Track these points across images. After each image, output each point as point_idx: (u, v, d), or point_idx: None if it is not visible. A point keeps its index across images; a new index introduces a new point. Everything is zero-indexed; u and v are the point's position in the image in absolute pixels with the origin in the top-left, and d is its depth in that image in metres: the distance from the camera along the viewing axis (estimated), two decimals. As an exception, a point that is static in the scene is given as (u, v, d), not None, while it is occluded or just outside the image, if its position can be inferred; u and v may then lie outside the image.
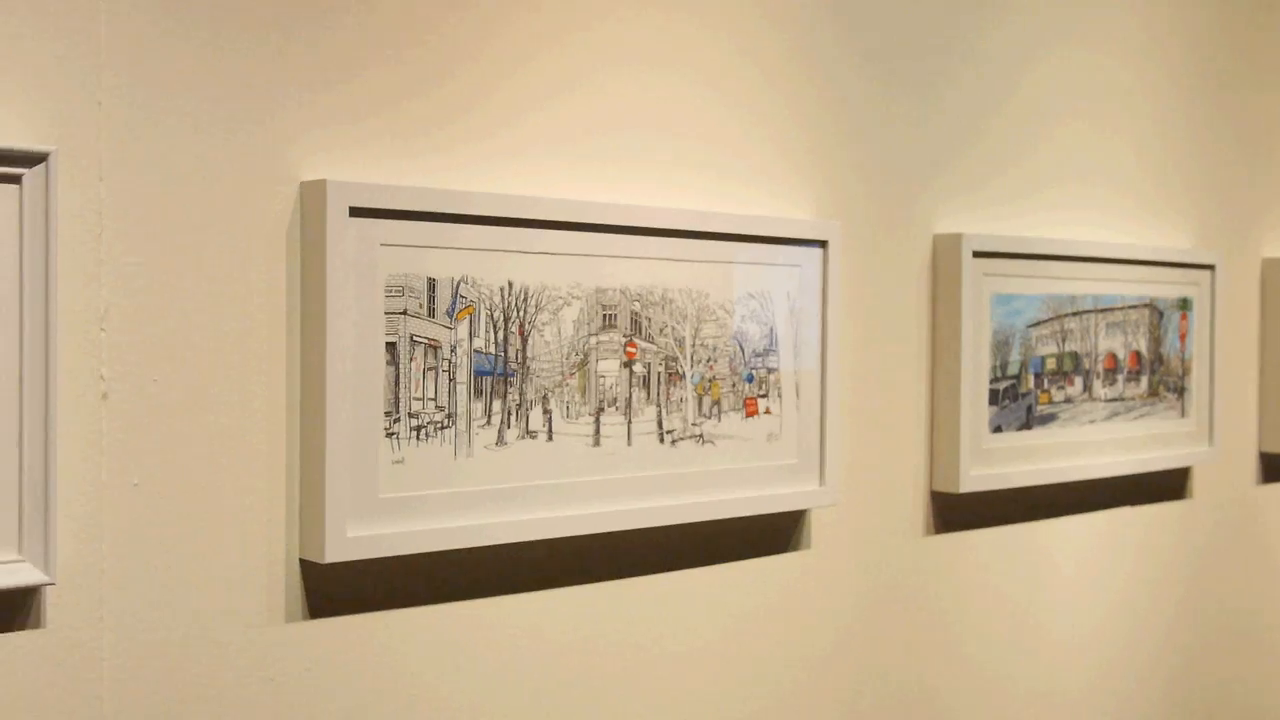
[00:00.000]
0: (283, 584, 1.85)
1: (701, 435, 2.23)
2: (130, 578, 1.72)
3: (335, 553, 1.82)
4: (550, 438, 2.04)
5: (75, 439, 1.67)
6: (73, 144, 1.65)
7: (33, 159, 1.59)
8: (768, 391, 2.32)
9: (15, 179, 1.59)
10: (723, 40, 2.31)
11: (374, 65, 1.90)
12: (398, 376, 1.89)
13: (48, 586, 1.65)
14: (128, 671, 1.73)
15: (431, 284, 1.91)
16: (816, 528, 2.48)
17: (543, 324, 2.03)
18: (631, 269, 2.12)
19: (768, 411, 2.32)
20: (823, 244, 2.38)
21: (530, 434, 2.02)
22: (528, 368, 2.02)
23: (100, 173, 1.68)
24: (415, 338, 1.90)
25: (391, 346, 1.88)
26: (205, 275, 1.76)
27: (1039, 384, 2.79)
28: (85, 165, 1.66)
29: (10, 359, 1.60)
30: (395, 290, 1.88)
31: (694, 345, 2.22)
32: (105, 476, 1.70)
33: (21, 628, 1.65)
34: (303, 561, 1.86)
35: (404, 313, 1.89)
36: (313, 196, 1.82)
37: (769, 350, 2.32)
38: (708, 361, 2.24)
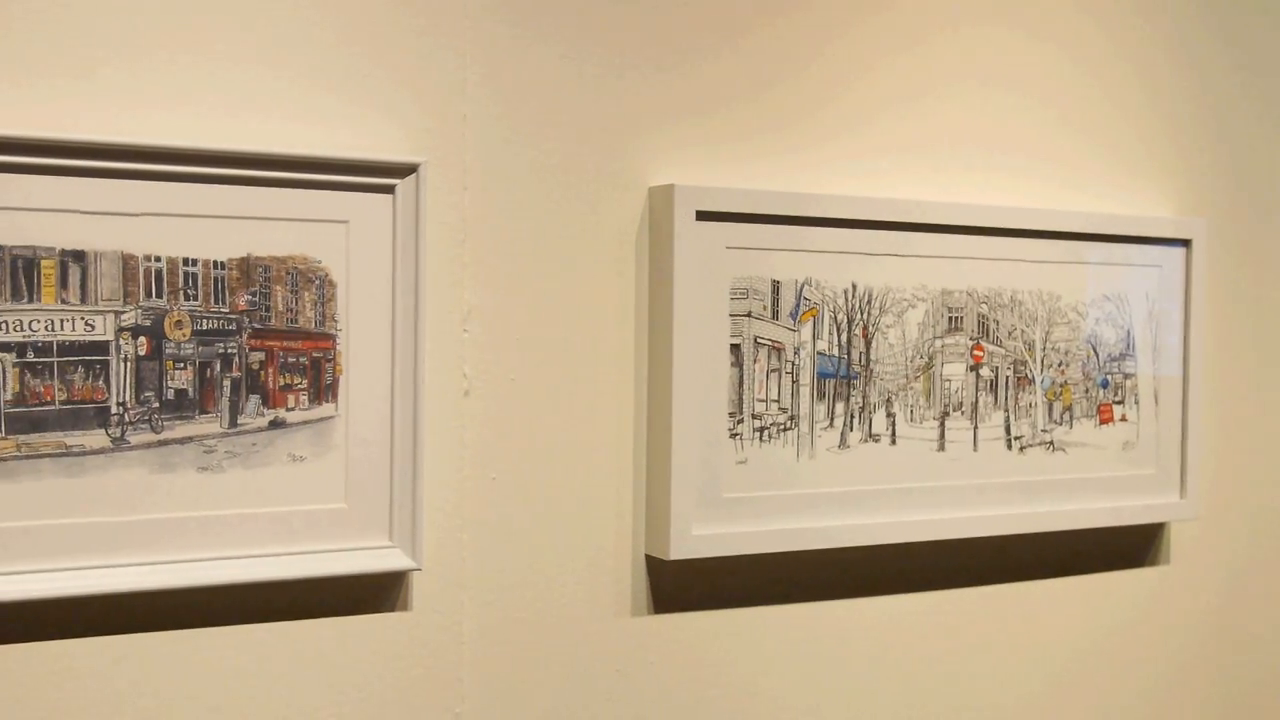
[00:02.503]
0: (629, 579, 1.89)
1: (1052, 442, 2.15)
2: (488, 567, 1.81)
3: (680, 550, 1.86)
4: (894, 441, 2.02)
5: (440, 434, 1.76)
6: (440, 155, 1.75)
7: (404, 170, 1.70)
8: (1124, 398, 2.22)
9: (389, 189, 1.69)
10: (1074, 35, 2.22)
11: (721, 71, 1.92)
12: (741, 378, 1.91)
13: (414, 572, 1.75)
14: (485, 655, 1.82)
15: (776, 286, 1.92)
16: (1176, 543, 2.35)
17: (887, 326, 2.00)
18: (979, 270, 2.07)
19: (1124, 419, 2.22)
20: (1185, 243, 2.25)
21: (873, 437, 2.00)
22: (871, 370, 2.00)
23: (465, 182, 1.77)
24: (759, 340, 1.92)
25: (736, 348, 1.90)
26: (559, 278, 1.83)
27: None
28: (451, 175, 1.76)
29: (382, 358, 1.70)
30: (740, 292, 1.90)
31: (1044, 349, 2.14)
32: (467, 470, 1.79)
33: (391, 609, 1.76)
34: (648, 557, 1.90)
35: (748, 315, 1.91)
36: (661, 201, 1.86)
37: (1125, 354, 2.22)
38: (1059, 366, 2.16)
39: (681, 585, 1.93)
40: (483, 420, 1.80)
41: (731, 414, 1.90)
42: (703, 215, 1.85)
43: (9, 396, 1.53)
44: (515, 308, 1.81)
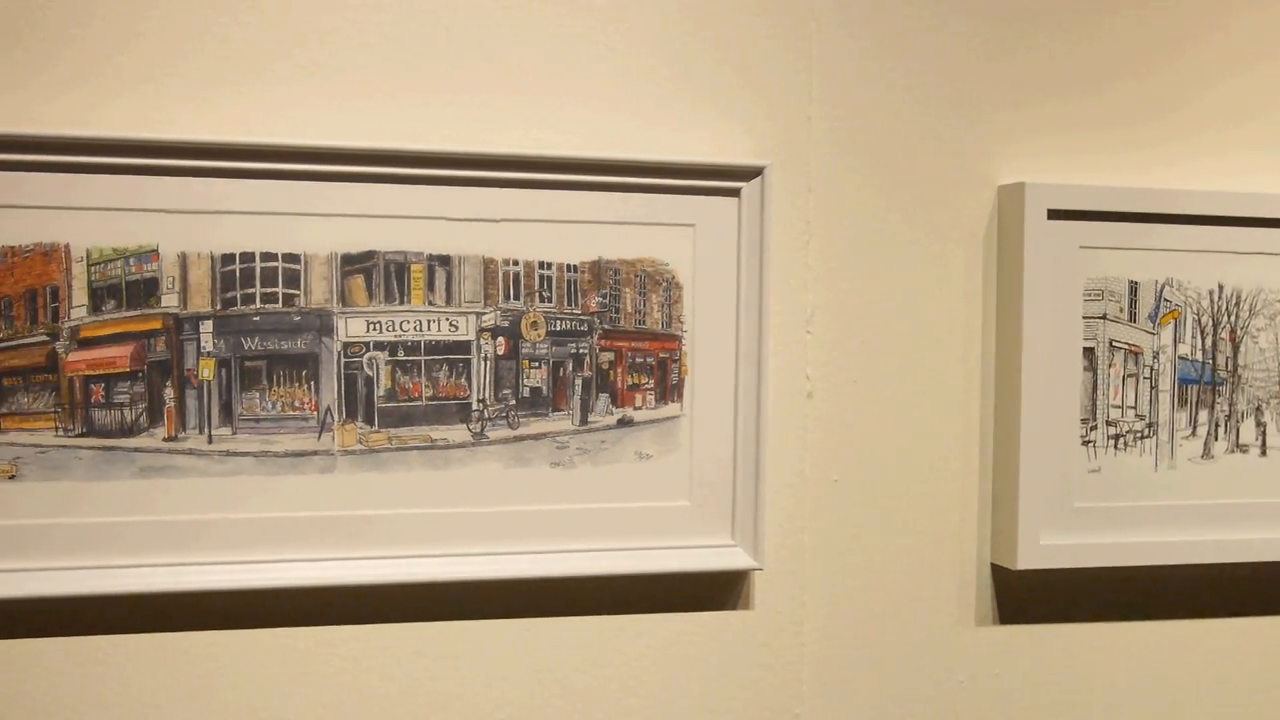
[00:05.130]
0: (974, 587, 1.85)
1: None
2: (829, 569, 1.80)
3: (1028, 560, 1.80)
4: (1263, 453, 1.89)
5: (782, 435, 1.77)
6: (785, 157, 1.75)
7: (750, 173, 1.71)
8: None
9: (734, 192, 1.71)
10: None
11: (1068, 65, 1.85)
12: (1095, 383, 1.83)
13: (756, 571, 1.76)
14: (825, 657, 1.81)
15: (1133, 287, 1.84)
16: None
17: (1257, 330, 1.88)
18: (1363, 269, 1.91)
19: None
20: None
21: (1240, 448, 1.88)
22: (1239, 376, 1.88)
23: (809, 184, 1.77)
24: (1114, 343, 1.83)
25: (1089, 352, 1.82)
26: (904, 280, 1.81)
27: None
28: (795, 177, 1.76)
29: (726, 359, 1.73)
30: (1094, 294, 1.82)
31: None
32: (808, 471, 1.79)
33: (733, 607, 1.78)
34: (994, 566, 1.85)
35: (1103, 317, 1.83)
36: (1011, 200, 1.80)
37: None
38: None
39: (1028, 596, 1.87)
40: (825, 422, 1.79)
41: (1084, 420, 1.83)
42: (1055, 214, 1.79)
43: (381, 392, 1.63)
44: (859, 309, 1.80)
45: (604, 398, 1.70)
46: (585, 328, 1.69)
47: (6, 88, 1.53)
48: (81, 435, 1.56)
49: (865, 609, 1.82)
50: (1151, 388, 1.85)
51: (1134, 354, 1.84)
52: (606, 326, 1.70)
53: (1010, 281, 1.80)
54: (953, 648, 1.85)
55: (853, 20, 1.77)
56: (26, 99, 1.54)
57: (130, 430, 1.57)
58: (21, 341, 1.55)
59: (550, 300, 1.68)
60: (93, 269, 1.55)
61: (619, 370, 1.71)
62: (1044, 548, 1.81)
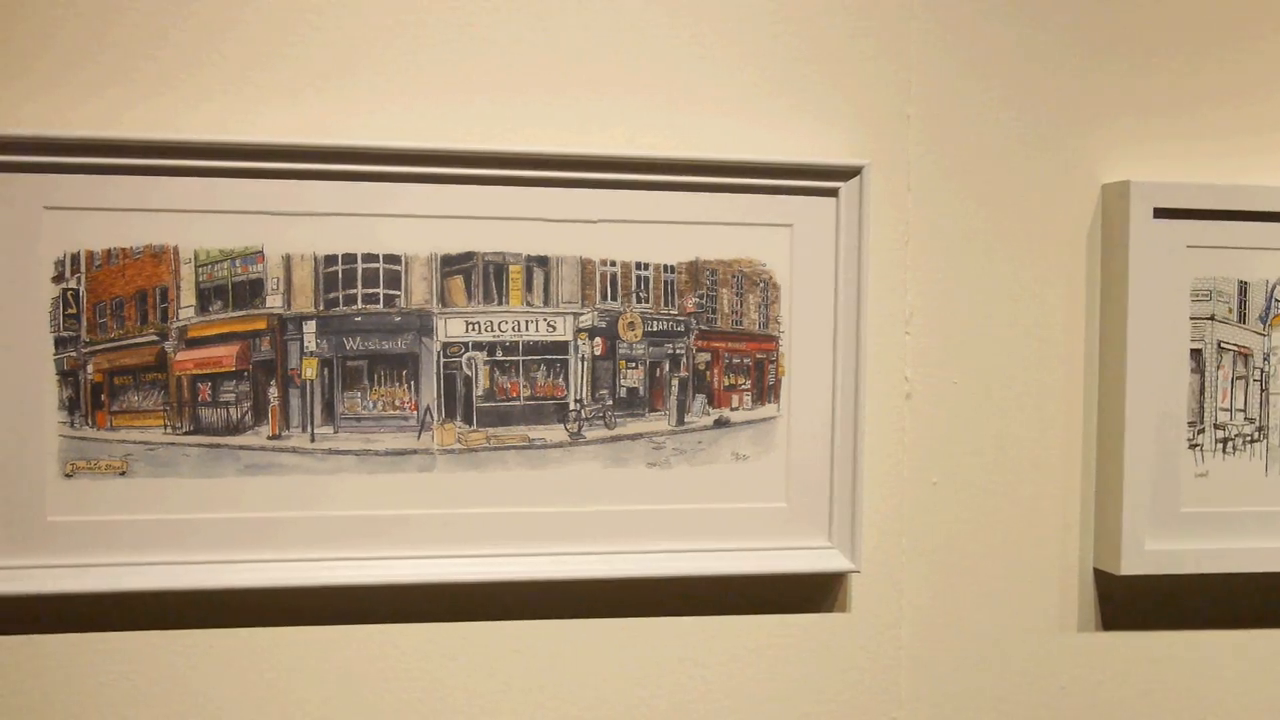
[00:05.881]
0: (1076, 592, 1.82)
1: None
2: (927, 572, 1.79)
3: (1132, 565, 1.77)
4: (1379, 457, 1.84)
5: (880, 436, 1.76)
6: (883, 156, 1.74)
7: (848, 173, 1.70)
8: None
9: (832, 192, 1.70)
10: None
11: (1174, 61, 1.82)
12: (1203, 385, 1.79)
13: (853, 574, 1.75)
14: (923, 661, 1.79)
15: (1243, 288, 1.80)
16: None
17: (1372, 331, 1.83)
18: None
19: None
20: None
21: (1354, 452, 1.83)
22: (1353, 379, 1.83)
23: (908, 182, 1.75)
24: (1223, 344, 1.79)
25: (1196, 353, 1.79)
26: (1005, 280, 1.78)
27: None
28: (894, 176, 1.75)
29: (824, 360, 1.72)
30: (1201, 294, 1.78)
31: None
32: (906, 473, 1.77)
33: (829, 609, 1.77)
34: (1097, 571, 1.82)
35: (1211, 318, 1.79)
36: (1115, 198, 1.77)
37: None
38: None
39: (1132, 602, 1.84)
40: (924, 423, 1.78)
41: (1191, 423, 1.79)
42: (1160, 212, 1.76)
43: (480, 392, 1.65)
44: (959, 309, 1.78)
45: (700, 398, 1.70)
46: (682, 328, 1.69)
47: (90, 96, 1.57)
48: (189, 433, 1.60)
49: (964, 613, 1.80)
50: (1261, 390, 1.81)
51: (1243, 356, 1.80)
52: (703, 327, 1.70)
53: (1114, 282, 1.77)
54: (1053, 653, 1.82)
55: (952, 18, 1.75)
56: (116, 103, 1.57)
57: (236, 428, 1.60)
58: (133, 341, 1.58)
59: (647, 301, 1.68)
60: (200, 270, 1.58)
61: (716, 371, 1.70)
62: (1149, 553, 1.77)
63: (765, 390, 1.71)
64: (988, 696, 1.81)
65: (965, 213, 1.77)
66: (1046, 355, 1.80)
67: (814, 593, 1.76)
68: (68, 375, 1.57)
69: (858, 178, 1.70)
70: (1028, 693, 1.82)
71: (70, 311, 1.56)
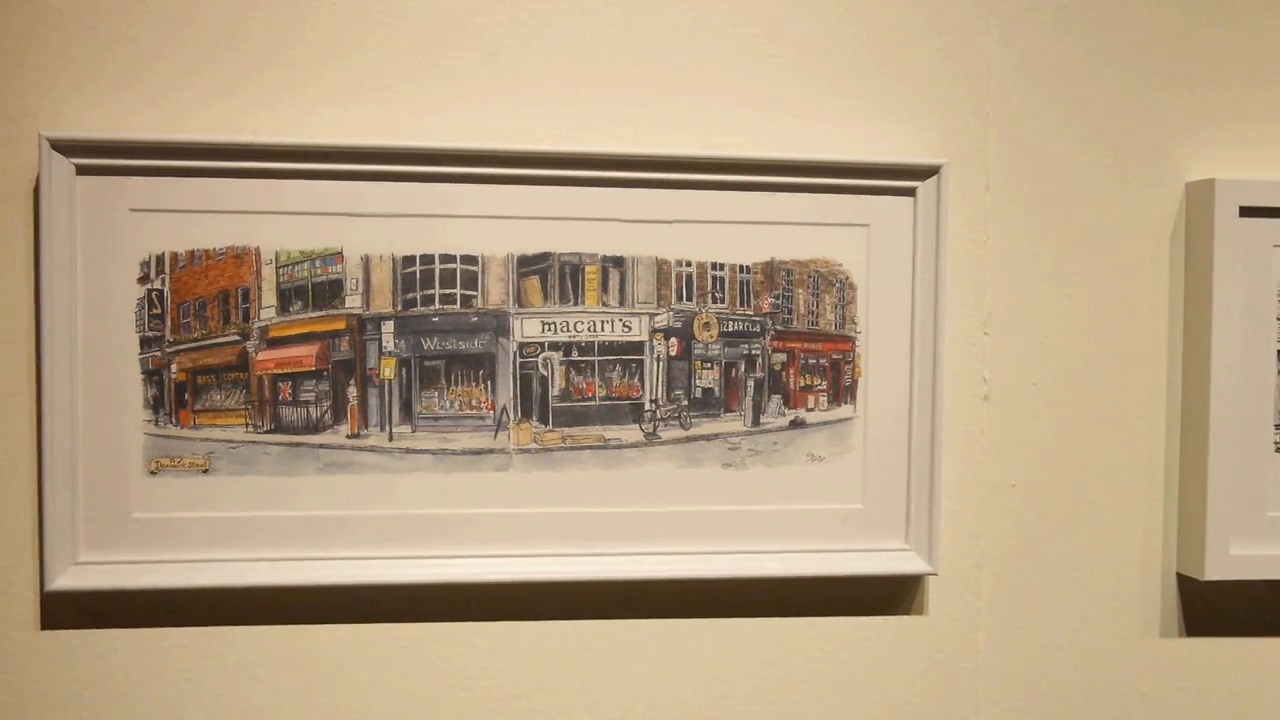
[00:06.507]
0: (1158, 598, 1.79)
1: None
2: (1006, 575, 1.77)
3: (1216, 570, 1.74)
4: None
5: (958, 438, 1.74)
6: (961, 155, 1.72)
7: (925, 172, 1.68)
8: None
9: (910, 192, 1.69)
10: None
11: (1260, 55, 1.78)
12: (1290, 387, 1.76)
13: (930, 576, 1.73)
14: (1001, 665, 1.77)
15: (1332, 287, 1.76)
16: None
17: None
18: None
19: None
20: None
21: None
22: None
23: (987, 182, 1.74)
24: (1311, 346, 1.76)
25: (1283, 355, 1.75)
26: (1086, 280, 1.76)
27: None
28: (972, 175, 1.73)
29: (901, 361, 1.70)
30: (1289, 294, 1.75)
31: None
32: (984, 475, 1.76)
33: (905, 612, 1.75)
34: (1180, 576, 1.79)
35: (1299, 318, 1.75)
36: (1200, 197, 1.74)
37: None
38: None
39: (1216, 608, 1.80)
40: (1002, 425, 1.76)
41: (1278, 425, 1.75)
42: (1246, 211, 1.72)
43: (556, 392, 1.66)
44: (1038, 310, 1.76)
45: (776, 399, 1.70)
46: (758, 329, 1.69)
47: (210, 99, 1.60)
48: (270, 431, 1.62)
49: (1043, 617, 1.78)
50: (1351, 392, 1.77)
51: (1332, 357, 1.77)
52: (779, 327, 1.69)
53: (1199, 281, 1.74)
54: (1135, 659, 1.80)
55: (1032, 13, 1.73)
56: (190, 104, 1.60)
57: (316, 427, 1.62)
58: (215, 341, 1.61)
59: (723, 301, 1.68)
60: (281, 271, 1.60)
61: (791, 371, 1.70)
62: (1234, 558, 1.74)
63: (841, 391, 1.70)
64: (1066, 702, 1.79)
65: (1044, 212, 1.75)
66: (1128, 356, 1.77)
67: (890, 595, 1.75)
68: (152, 375, 1.59)
69: (935, 177, 1.68)
70: (1107, 699, 1.79)
71: (155, 312, 1.59)
